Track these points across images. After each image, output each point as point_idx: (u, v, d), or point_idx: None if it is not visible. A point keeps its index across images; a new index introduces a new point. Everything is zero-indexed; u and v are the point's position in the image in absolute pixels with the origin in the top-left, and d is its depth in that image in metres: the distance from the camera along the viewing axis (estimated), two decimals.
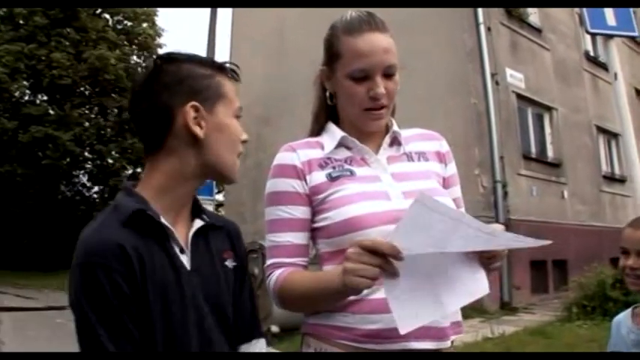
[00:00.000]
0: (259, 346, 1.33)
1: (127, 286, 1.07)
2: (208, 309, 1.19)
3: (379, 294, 1.22)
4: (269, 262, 1.37)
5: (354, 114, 1.37)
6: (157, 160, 1.21)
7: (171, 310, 1.12)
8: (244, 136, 1.27)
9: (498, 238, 1.07)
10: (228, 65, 1.29)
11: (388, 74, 1.33)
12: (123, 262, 1.08)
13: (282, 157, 1.40)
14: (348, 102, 1.37)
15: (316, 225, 1.36)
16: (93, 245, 1.08)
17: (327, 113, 1.46)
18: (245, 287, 1.33)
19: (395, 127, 1.44)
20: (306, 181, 1.36)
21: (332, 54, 1.38)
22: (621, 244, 1.87)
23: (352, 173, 1.35)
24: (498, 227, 1.11)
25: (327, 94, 1.43)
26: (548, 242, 1.15)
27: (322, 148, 1.41)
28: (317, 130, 1.47)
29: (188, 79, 1.20)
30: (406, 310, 1.07)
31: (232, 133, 1.23)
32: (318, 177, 1.36)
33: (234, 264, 1.29)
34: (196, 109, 1.19)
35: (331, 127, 1.44)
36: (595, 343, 5.51)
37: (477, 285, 1.19)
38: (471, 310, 8.28)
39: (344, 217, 1.28)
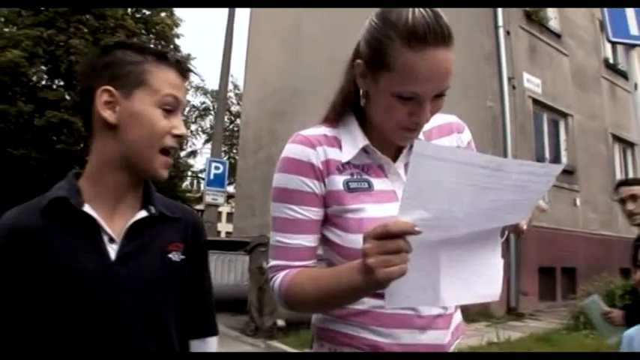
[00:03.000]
0: (211, 343, 1.34)
1: (9, 264, 1.10)
2: (134, 299, 1.16)
3: (385, 310, 1.19)
4: (274, 263, 1.27)
5: (387, 127, 1.23)
6: (91, 147, 1.23)
7: (77, 295, 1.11)
8: (177, 131, 1.21)
9: (508, 174, 0.96)
10: (170, 55, 1.24)
11: (440, 94, 1.17)
12: (11, 244, 1.11)
13: (299, 152, 1.26)
14: (385, 117, 1.21)
15: (327, 234, 1.28)
16: None
17: (348, 106, 1.32)
18: (200, 281, 1.33)
19: (417, 140, 1.27)
20: (324, 183, 1.25)
21: (380, 60, 1.16)
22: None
23: (370, 186, 1.25)
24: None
25: (361, 92, 1.26)
26: (559, 167, 1.03)
27: (340, 147, 1.28)
28: (333, 119, 1.33)
29: (113, 64, 1.19)
30: (399, 288, 1.01)
31: (148, 122, 1.18)
32: (336, 182, 1.25)
33: (182, 257, 1.26)
34: (110, 94, 1.17)
35: (352, 124, 1.31)
36: None
37: (487, 287, 1.13)
38: (477, 314, 8.25)
39: (355, 245, 1.16)
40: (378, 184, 1.26)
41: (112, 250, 1.16)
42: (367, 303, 1.21)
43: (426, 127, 1.32)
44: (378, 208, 1.22)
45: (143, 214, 1.22)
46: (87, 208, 1.15)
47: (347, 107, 1.32)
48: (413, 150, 0.90)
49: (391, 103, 1.17)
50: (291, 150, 1.27)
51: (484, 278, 1.12)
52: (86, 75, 1.22)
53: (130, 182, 1.22)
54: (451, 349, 1.31)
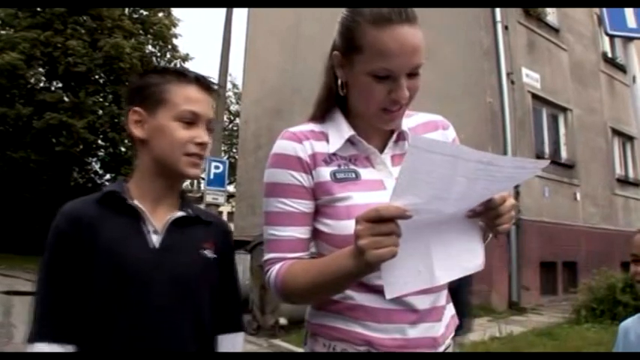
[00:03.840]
0: (238, 339, 1.49)
1: (70, 246, 1.29)
2: (172, 284, 1.32)
3: (379, 304, 1.22)
4: (268, 256, 1.29)
5: (370, 112, 1.26)
6: (136, 160, 1.44)
7: (122, 274, 1.28)
8: (198, 139, 1.36)
9: (499, 168, 1.01)
10: (189, 72, 1.41)
11: (413, 73, 1.21)
12: (73, 228, 1.30)
13: (286, 147, 1.30)
14: (365, 99, 1.25)
15: (317, 226, 1.30)
16: (60, 212, 1.33)
17: (334, 101, 1.35)
18: (229, 281, 1.49)
19: (403, 126, 1.34)
20: (312, 175, 1.28)
21: (352, 45, 1.22)
22: (632, 251, 1.86)
23: (357, 176, 1.28)
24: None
25: (339, 82, 1.30)
26: (546, 162, 1.11)
27: (327, 140, 1.31)
28: (319, 116, 1.37)
29: (141, 88, 1.40)
30: (396, 277, 1.05)
31: (169, 134, 1.35)
32: (323, 173, 1.28)
33: (214, 255, 1.42)
34: (138, 113, 1.38)
35: (338, 117, 1.34)
36: (603, 347, 5.48)
37: (473, 260, 1.18)
38: (479, 309, 8.26)
39: (345, 232, 1.19)
40: (365, 173, 1.29)
41: (155, 241, 1.34)
42: (360, 298, 1.23)
43: (412, 124, 1.37)
44: (366, 196, 1.24)
45: (182, 213, 1.40)
46: (134, 202, 1.35)
47: (332, 102, 1.35)
48: (409, 142, 0.94)
49: (368, 84, 1.21)
50: (279, 145, 1.32)
51: (469, 252, 1.17)
52: (125, 101, 1.46)
53: (166, 186, 1.41)
54: (446, 342, 1.32)
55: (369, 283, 1.20)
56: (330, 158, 1.29)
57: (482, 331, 6.96)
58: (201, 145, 1.37)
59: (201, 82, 1.40)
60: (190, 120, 1.36)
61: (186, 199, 1.47)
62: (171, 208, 1.41)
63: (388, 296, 1.06)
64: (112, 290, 1.27)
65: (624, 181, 13.24)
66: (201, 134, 1.37)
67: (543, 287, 10.26)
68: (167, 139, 1.35)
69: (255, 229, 13.64)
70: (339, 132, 1.32)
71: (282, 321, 7.69)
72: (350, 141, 1.31)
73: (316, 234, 1.30)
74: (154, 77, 1.40)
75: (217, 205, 15.12)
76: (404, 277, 1.06)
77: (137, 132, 1.38)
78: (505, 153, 9.61)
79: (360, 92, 1.25)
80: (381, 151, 1.33)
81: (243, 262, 10.40)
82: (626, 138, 13.42)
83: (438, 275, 1.11)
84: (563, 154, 11.66)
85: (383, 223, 0.98)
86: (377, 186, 1.27)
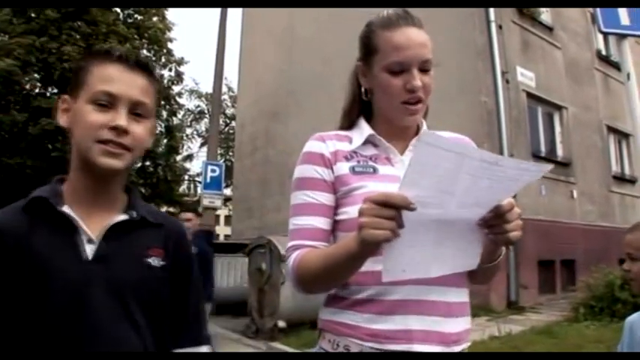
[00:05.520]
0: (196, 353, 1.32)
1: None
2: (109, 299, 1.16)
3: (385, 296, 1.26)
4: (289, 244, 1.38)
5: (391, 107, 1.39)
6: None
7: (49, 292, 1.12)
8: (112, 123, 1.18)
9: (503, 169, 1.06)
10: (114, 50, 1.25)
11: (424, 69, 1.35)
12: None
13: (311, 146, 1.43)
14: (385, 95, 1.39)
15: (336, 218, 1.37)
16: None
17: (359, 110, 1.49)
18: (186, 290, 1.32)
19: (424, 130, 1.44)
20: (332, 170, 1.38)
21: (369, 49, 1.41)
22: (625, 250, 1.85)
23: (375, 171, 1.37)
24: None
25: (362, 89, 1.46)
26: (549, 166, 1.18)
27: (350, 142, 1.43)
28: (347, 125, 1.49)
29: (74, 73, 1.27)
30: (396, 262, 1.10)
31: (82, 118, 1.19)
32: (343, 168, 1.38)
33: (162, 263, 1.26)
34: (65, 101, 1.25)
35: (362, 123, 1.46)
36: (602, 344, 5.49)
37: (467, 260, 1.23)
38: (478, 309, 8.26)
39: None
40: (384, 170, 1.38)
41: (90, 251, 1.18)
42: (367, 292, 1.28)
43: None
44: (381, 186, 1.29)
45: (123, 217, 1.24)
46: (65, 209, 1.18)
47: (357, 112, 1.49)
48: (419, 137, 1.02)
49: (386, 80, 1.36)
50: (307, 146, 1.45)
51: (465, 252, 1.22)
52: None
53: (97, 184, 1.24)
54: (462, 347, 1.35)
55: (373, 270, 1.23)
56: (350, 155, 1.41)
57: (482, 331, 6.96)
58: (116, 130, 1.18)
59: (124, 60, 1.24)
60: (106, 102, 1.19)
61: (133, 199, 1.31)
62: (110, 211, 1.24)
63: (384, 279, 1.11)
64: (41, 308, 1.11)
65: (620, 179, 13.27)
66: (116, 118, 1.18)
67: (542, 286, 10.27)
68: (80, 124, 1.20)
69: (252, 232, 13.63)
70: (361, 133, 1.45)
71: (281, 324, 7.68)
72: (372, 143, 1.43)
73: (335, 227, 1.38)
74: (83, 60, 1.28)
75: (214, 209, 15.12)
76: (402, 264, 1.11)
77: (62, 120, 1.25)
78: (501, 152, 9.61)
79: (380, 89, 1.40)
80: (401, 154, 1.42)
81: (241, 265, 10.41)
82: (622, 135, 13.44)
83: (433, 269, 1.16)
84: (559, 152, 11.68)
85: (386, 207, 1.04)
86: (393, 180, 1.33)
